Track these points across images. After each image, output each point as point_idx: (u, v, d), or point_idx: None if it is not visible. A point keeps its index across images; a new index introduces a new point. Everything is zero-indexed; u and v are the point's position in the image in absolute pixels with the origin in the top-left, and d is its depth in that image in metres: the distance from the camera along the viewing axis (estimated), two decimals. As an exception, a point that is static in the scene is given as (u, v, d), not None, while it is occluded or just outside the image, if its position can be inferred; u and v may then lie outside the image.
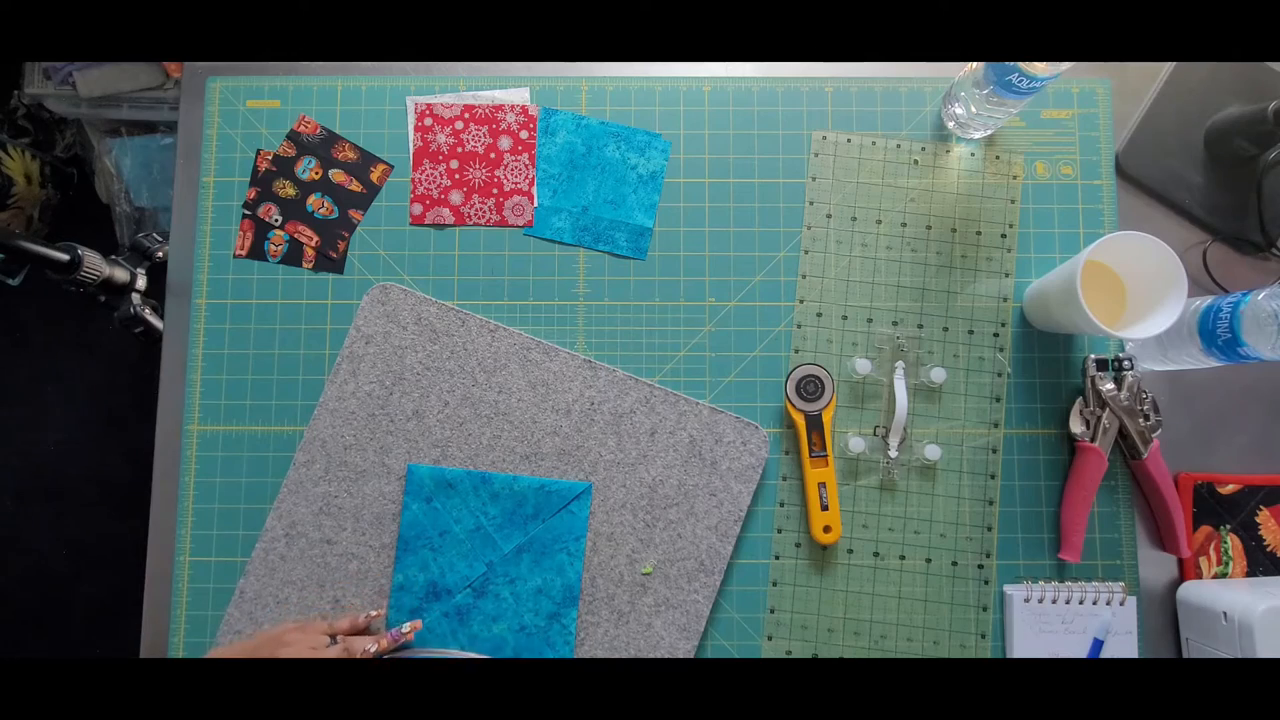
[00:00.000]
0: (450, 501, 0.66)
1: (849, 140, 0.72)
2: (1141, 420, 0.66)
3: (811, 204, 0.71)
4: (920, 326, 0.70)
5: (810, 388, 0.67)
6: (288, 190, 0.72)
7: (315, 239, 0.71)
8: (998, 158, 0.71)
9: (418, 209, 0.72)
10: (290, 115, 0.73)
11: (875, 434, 0.68)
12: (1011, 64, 0.58)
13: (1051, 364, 0.69)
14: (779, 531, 0.68)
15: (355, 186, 0.72)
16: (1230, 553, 0.68)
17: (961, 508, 0.68)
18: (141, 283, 0.79)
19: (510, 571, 0.65)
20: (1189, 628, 0.65)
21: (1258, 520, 0.68)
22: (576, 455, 0.67)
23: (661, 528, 0.66)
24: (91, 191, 1.45)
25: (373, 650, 0.61)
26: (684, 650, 0.65)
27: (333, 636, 0.62)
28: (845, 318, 0.70)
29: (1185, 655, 0.66)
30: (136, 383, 1.48)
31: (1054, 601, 0.65)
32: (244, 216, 0.72)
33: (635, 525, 0.66)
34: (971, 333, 0.69)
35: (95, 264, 0.74)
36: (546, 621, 0.65)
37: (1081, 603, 0.65)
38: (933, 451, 0.67)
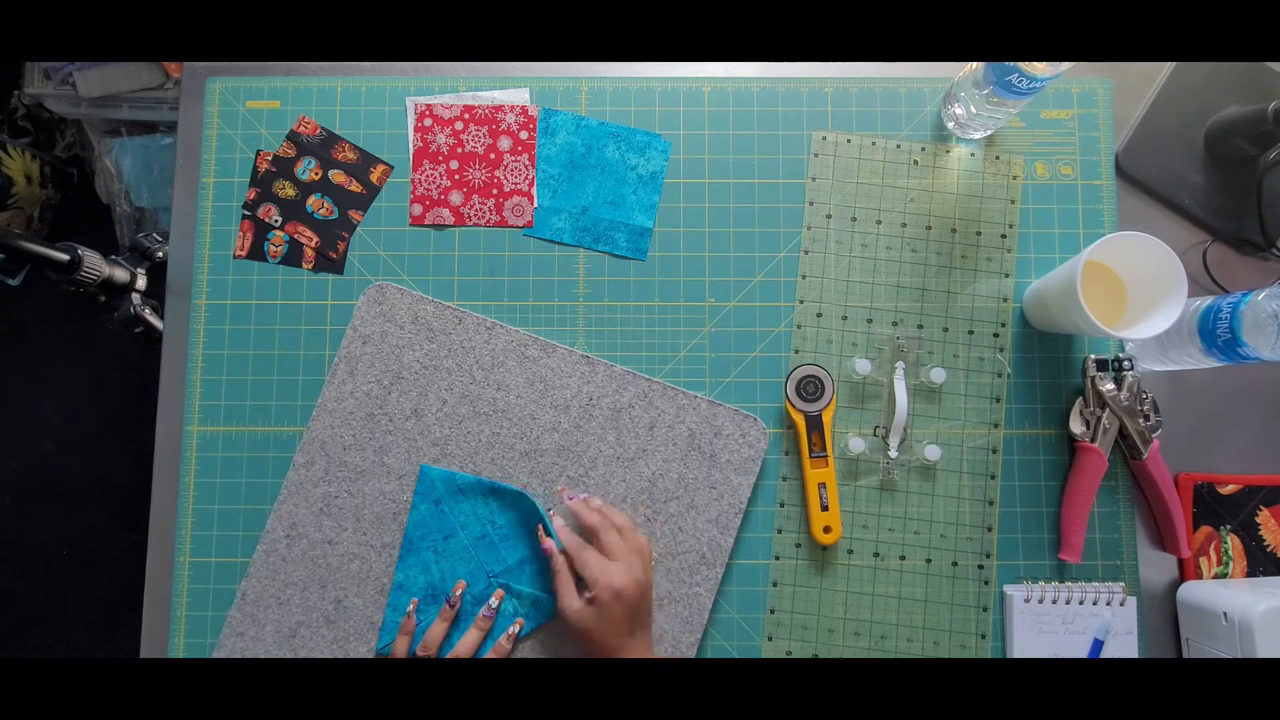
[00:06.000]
0: (459, 506, 0.66)
1: (849, 140, 0.72)
2: (1141, 420, 0.66)
3: (811, 204, 0.71)
4: (920, 327, 0.70)
5: (810, 388, 0.67)
6: (287, 191, 0.72)
7: (315, 239, 0.71)
8: (998, 158, 0.71)
9: (417, 209, 0.72)
10: (290, 116, 0.73)
11: (875, 434, 0.68)
12: (1011, 64, 0.58)
13: (1051, 364, 0.69)
14: (779, 532, 0.68)
15: (355, 187, 0.72)
16: (1230, 553, 0.68)
17: (961, 508, 0.68)
18: (141, 283, 0.79)
19: (511, 582, 0.65)
20: (1189, 628, 0.65)
21: (1258, 520, 0.68)
22: (576, 451, 0.67)
23: (662, 521, 0.66)
24: (91, 191, 1.45)
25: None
26: (687, 643, 0.65)
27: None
28: (845, 318, 0.70)
29: (1185, 655, 0.66)
30: (137, 383, 1.48)
31: (1054, 602, 0.65)
32: (244, 217, 0.72)
33: (636, 520, 0.66)
34: (971, 333, 0.69)
35: (95, 264, 0.74)
36: (546, 619, 0.65)
37: (1081, 603, 0.65)
38: (933, 452, 0.67)
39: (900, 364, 0.68)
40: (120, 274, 0.76)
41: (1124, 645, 0.65)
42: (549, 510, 0.66)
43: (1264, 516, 0.68)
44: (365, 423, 0.68)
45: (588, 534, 0.63)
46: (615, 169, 0.72)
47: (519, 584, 0.65)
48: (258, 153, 0.72)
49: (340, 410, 0.68)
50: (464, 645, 0.63)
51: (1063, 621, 0.65)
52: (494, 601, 0.64)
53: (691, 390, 0.68)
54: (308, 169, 0.72)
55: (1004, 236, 0.70)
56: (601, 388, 0.68)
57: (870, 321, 0.70)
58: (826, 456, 0.66)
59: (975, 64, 0.64)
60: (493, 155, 0.72)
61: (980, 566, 0.67)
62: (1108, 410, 0.66)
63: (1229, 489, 0.68)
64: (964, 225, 0.71)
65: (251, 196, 0.72)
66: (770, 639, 0.67)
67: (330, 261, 0.71)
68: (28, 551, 1.44)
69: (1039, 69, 0.57)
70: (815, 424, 0.67)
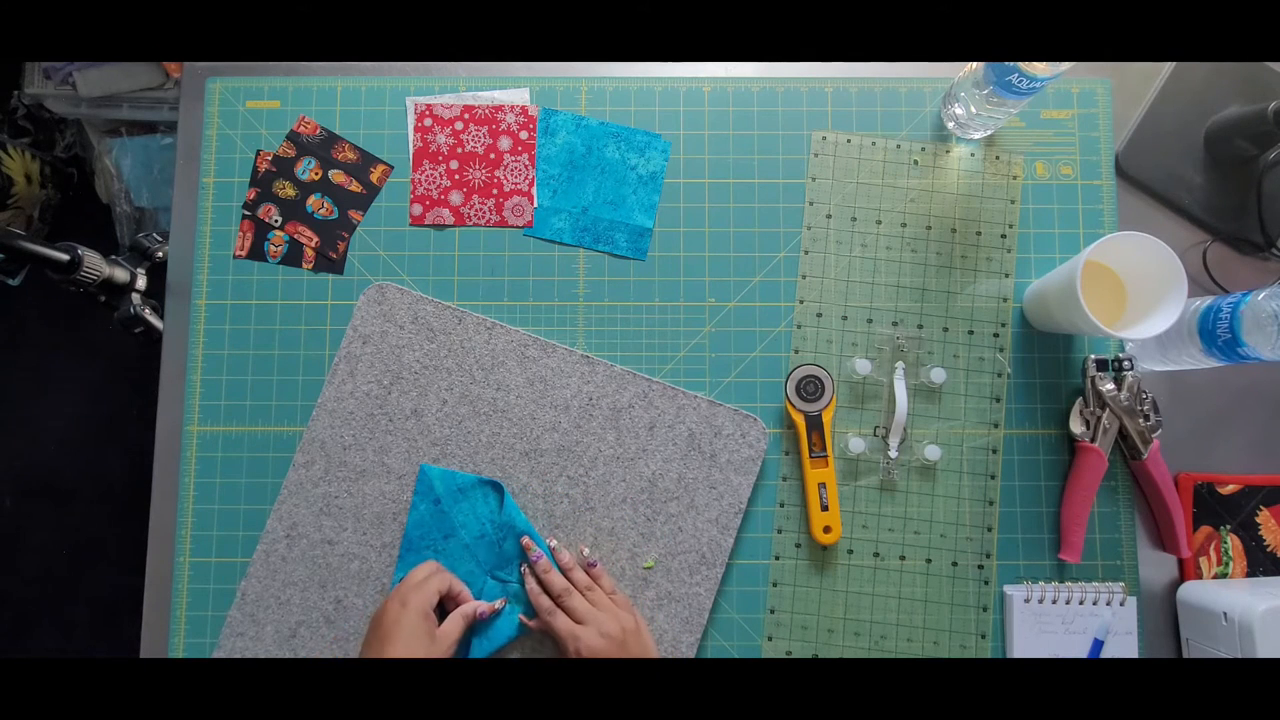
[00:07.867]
0: (459, 506, 0.66)
1: (849, 140, 0.72)
2: (1141, 420, 0.66)
3: (811, 204, 0.71)
4: (920, 327, 0.70)
5: (810, 388, 0.67)
6: (287, 191, 0.72)
7: (315, 239, 0.71)
8: (998, 158, 0.71)
9: (417, 209, 0.72)
10: (290, 116, 0.73)
11: (875, 434, 0.68)
12: (1011, 64, 0.58)
13: (1051, 364, 0.69)
14: (779, 532, 0.68)
15: (355, 187, 0.72)
16: (1230, 553, 0.68)
17: (961, 508, 0.68)
18: (141, 283, 0.79)
19: (510, 577, 0.65)
20: (1189, 628, 0.65)
21: (1258, 520, 0.68)
22: (576, 451, 0.67)
23: (662, 521, 0.66)
24: (91, 191, 1.45)
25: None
26: (687, 643, 0.65)
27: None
28: (845, 318, 0.70)
29: (1185, 655, 0.66)
30: (137, 383, 1.48)
31: (1054, 602, 0.65)
32: (244, 217, 0.72)
33: (636, 520, 0.66)
34: (971, 333, 0.69)
35: (95, 264, 0.74)
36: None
37: (1081, 603, 0.65)
38: (933, 452, 0.67)
39: (900, 364, 0.68)
40: (120, 274, 0.76)
41: (1124, 645, 0.65)
42: (546, 537, 0.66)
43: (1264, 516, 0.68)
44: (365, 423, 0.68)
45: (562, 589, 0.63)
46: (615, 169, 0.72)
47: (518, 583, 0.65)
48: (258, 153, 0.72)
49: (340, 410, 0.68)
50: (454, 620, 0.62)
51: (1063, 621, 0.65)
52: (497, 605, 0.64)
53: (691, 390, 0.68)
54: (308, 169, 0.72)
55: (1004, 236, 0.70)
56: (601, 388, 0.68)
57: (870, 321, 0.70)
58: (826, 456, 0.66)
59: (975, 64, 0.64)
60: (493, 155, 0.72)
61: (980, 566, 0.67)
62: (1108, 410, 0.66)
63: (1229, 489, 0.68)
64: (964, 225, 0.71)
65: (251, 196, 0.72)
66: (770, 639, 0.67)
67: (330, 261, 0.71)
68: (28, 551, 1.44)
69: (1039, 69, 0.57)
70: (815, 424, 0.67)
